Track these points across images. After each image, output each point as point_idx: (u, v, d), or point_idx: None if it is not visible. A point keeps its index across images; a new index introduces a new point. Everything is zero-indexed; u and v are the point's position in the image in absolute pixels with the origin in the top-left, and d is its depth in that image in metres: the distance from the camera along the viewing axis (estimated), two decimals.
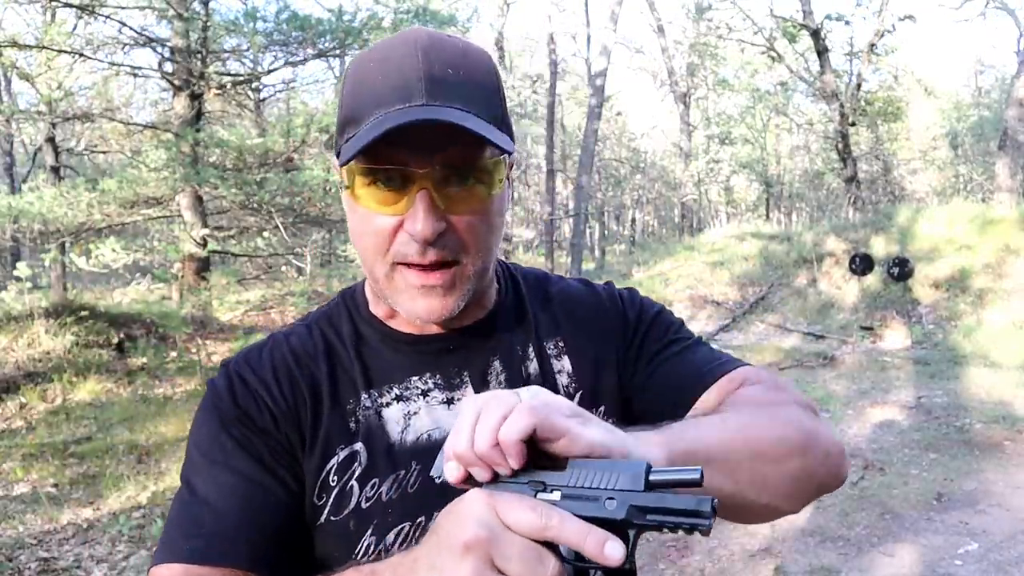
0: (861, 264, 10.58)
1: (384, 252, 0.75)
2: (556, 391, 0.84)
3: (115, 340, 8.39)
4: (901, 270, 10.17)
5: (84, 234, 9.44)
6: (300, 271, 11.66)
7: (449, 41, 0.77)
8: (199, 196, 9.42)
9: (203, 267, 9.78)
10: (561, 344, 0.89)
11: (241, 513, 0.73)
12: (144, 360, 8.09)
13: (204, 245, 9.29)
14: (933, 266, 10.28)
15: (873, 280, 10.51)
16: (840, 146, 15.58)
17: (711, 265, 12.74)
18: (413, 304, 0.77)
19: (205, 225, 9.57)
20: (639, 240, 28.93)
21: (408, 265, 0.75)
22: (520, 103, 21.57)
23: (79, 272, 9.67)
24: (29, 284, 8.53)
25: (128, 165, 10.51)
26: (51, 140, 10.83)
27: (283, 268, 12.27)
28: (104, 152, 14.18)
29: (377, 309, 0.87)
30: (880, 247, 11.22)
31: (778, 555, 3.84)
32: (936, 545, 3.90)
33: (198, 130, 9.26)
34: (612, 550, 0.50)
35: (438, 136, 0.71)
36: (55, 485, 5.15)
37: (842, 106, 15.34)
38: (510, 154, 0.76)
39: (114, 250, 8.54)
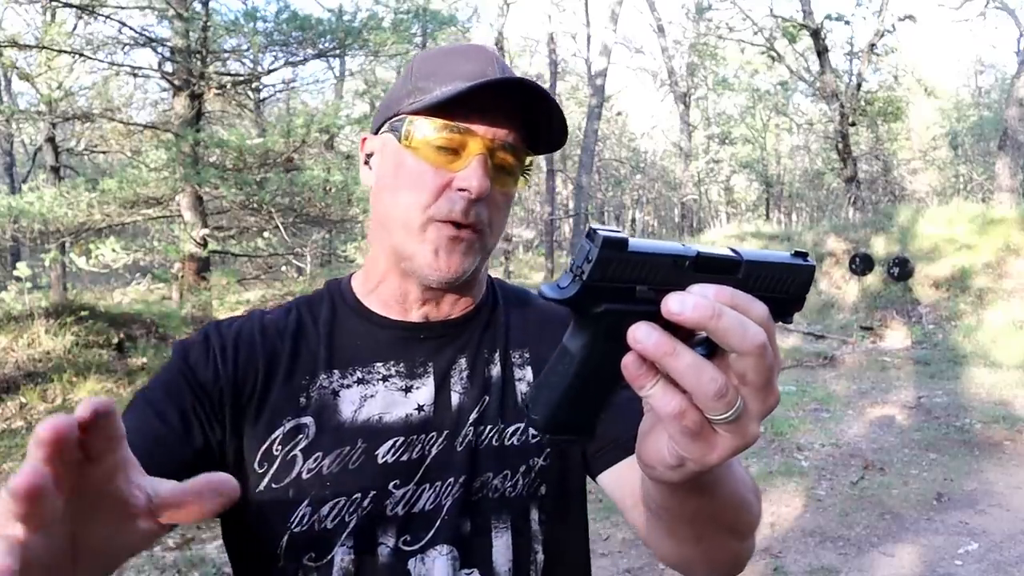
0: (861, 264, 10.57)
1: (426, 207, 0.79)
2: (515, 398, 0.88)
3: (115, 340, 8.39)
4: (901, 270, 10.16)
5: (84, 234, 9.43)
6: (300, 271, 11.66)
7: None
8: (199, 196, 9.41)
9: (203, 267, 9.77)
10: (527, 355, 0.91)
11: (143, 447, 0.73)
12: (144, 360, 8.08)
13: (204, 245, 9.28)
14: (933, 266, 10.27)
15: (873, 280, 10.51)
16: (840, 146, 15.57)
17: None
18: (435, 258, 0.80)
19: (205, 225, 9.56)
20: None
21: (444, 222, 0.79)
22: None
23: (79, 272, 9.66)
24: (29, 284, 8.52)
25: (128, 165, 10.50)
26: (51, 140, 10.83)
27: (283, 268, 12.26)
28: (104, 152, 14.16)
29: (365, 285, 0.89)
30: (880, 247, 11.21)
31: (778, 555, 3.84)
32: (936, 545, 3.90)
33: (198, 130, 9.26)
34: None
35: (506, 110, 0.79)
36: None
37: (842, 106, 15.34)
38: (560, 146, 0.84)
39: (114, 250, 8.54)
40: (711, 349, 0.48)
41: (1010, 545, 3.86)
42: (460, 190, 0.78)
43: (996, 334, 8.59)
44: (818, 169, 27.07)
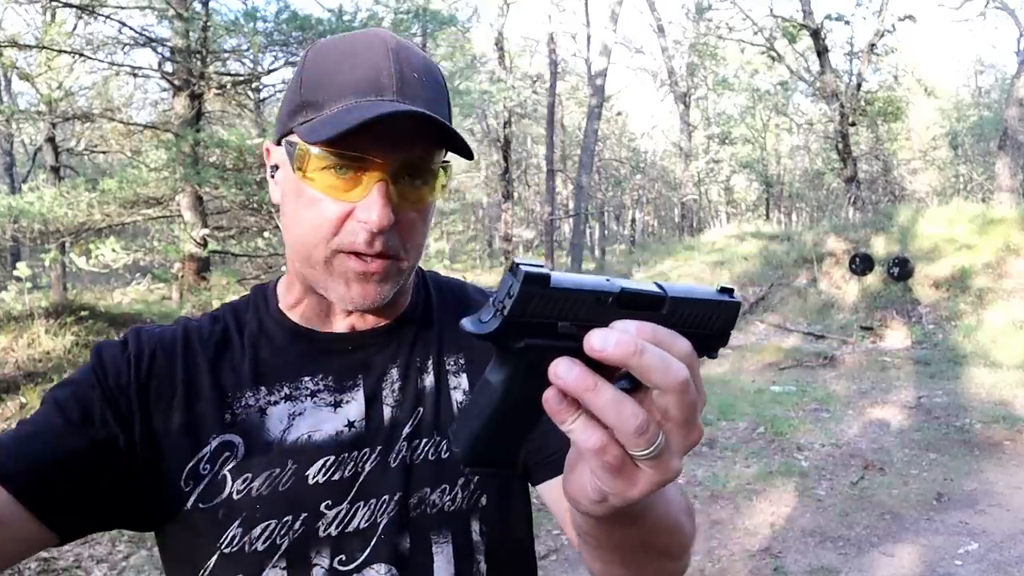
0: (861, 264, 10.58)
1: (328, 238, 0.75)
2: (450, 408, 0.85)
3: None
4: (901, 270, 10.17)
5: (84, 234, 9.43)
6: None
7: (414, 48, 0.79)
8: (199, 196, 9.41)
9: (203, 267, 9.77)
10: (462, 361, 0.88)
11: (42, 443, 0.72)
12: None
13: (204, 245, 9.28)
14: (933, 266, 10.28)
15: (873, 280, 10.51)
16: (840, 146, 15.57)
17: (711, 265, 12.75)
18: (348, 289, 0.77)
19: (205, 225, 9.56)
20: (639, 240, 28.98)
21: (349, 253, 0.75)
22: (520, 103, 21.56)
23: (79, 272, 9.66)
24: (29, 284, 8.51)
25: (128, 165, 10.51)
26: (51, 140, 10.83)
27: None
28: (104, 152, 14.16)
29: (287, 299, 0.86)
30: (880, 247, 11.21)
31: (778, 555, 3.84)
32: (936, 545, 3.90)
33: (198, 130, 9.26)
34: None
35: (403, 133, 0.73)
36: None
37: (842, 106, 15.34)
38: (471, 158, 0.77)
39: (114, 250, 8.53)
40: (634, 384, 0.48)
41: (1010, 545, 3.86)
42: (361, 221, 0.74)
43: (996, 334, 8.59)
44: (818, 169, 27.09)
